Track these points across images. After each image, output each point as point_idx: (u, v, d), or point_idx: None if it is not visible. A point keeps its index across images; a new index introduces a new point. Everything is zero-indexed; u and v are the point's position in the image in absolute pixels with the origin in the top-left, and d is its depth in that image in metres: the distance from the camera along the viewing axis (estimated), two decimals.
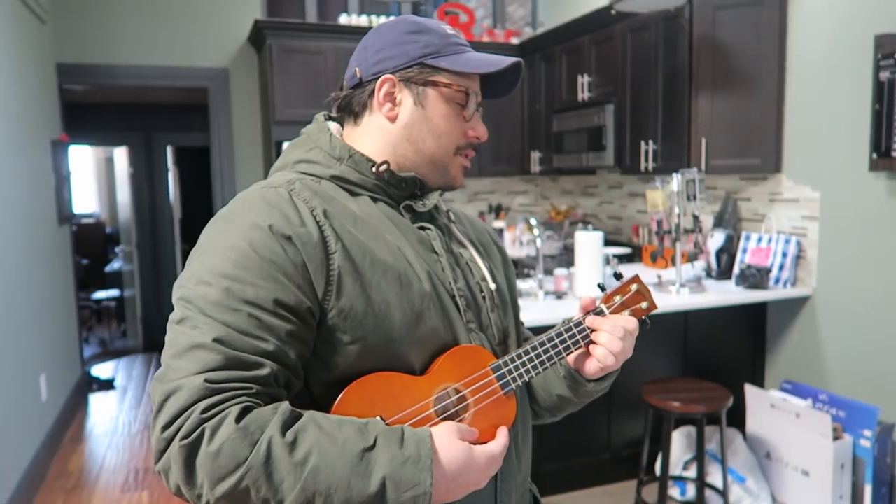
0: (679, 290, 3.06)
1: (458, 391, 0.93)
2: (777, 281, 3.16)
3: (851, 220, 2.92)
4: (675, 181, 3.04)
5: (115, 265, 7.61)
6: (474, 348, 0.97)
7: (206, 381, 0.76)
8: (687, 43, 3.32)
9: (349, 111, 1.01)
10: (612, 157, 3.94)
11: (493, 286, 1.03)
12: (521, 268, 4.35)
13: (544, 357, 0.98)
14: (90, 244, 8.75)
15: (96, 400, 4.70)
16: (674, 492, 3.04)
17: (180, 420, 0.75)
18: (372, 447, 0.78)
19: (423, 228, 0.99)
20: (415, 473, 0.78)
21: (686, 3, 3.20)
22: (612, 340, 0.97)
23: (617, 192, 4.65)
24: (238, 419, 0.75)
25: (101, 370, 5.53)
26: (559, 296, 3.00)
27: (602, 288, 1.05)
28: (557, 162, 4.52)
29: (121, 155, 6.72)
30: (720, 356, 3.35)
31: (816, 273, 3.11)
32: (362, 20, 4.62)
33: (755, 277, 3.09)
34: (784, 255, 3.16)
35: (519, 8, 5.87)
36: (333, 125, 1.03)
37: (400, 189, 0.98)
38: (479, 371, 0.95)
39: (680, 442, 3.09)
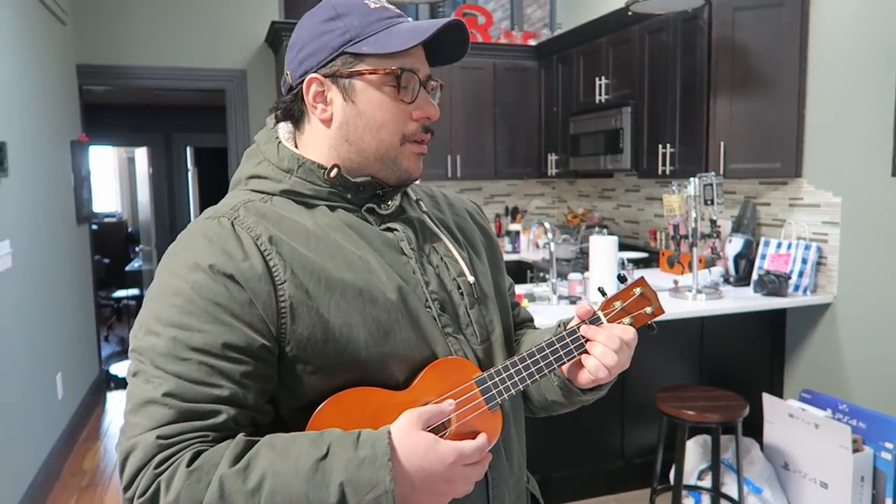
0: (695, 296, 3.01)
1: None
2: (796, 288, 3.09)
3: (874, 226, 2.85)
4: (692, 185, 2.99)
5: (136, 264, 7.70)
6: (459, 361, 0.91)
7: (157, 437, 0.75)
8: (705, 44, 3.27)
9: (291, 119, 0.94)
10: (629, 160, 3.89)
11: (471, 279, 0.96)
12: (537, 271, 4.31)
13: (534, 369, 0.92)
14: (112, 243, 8.87)
15: (114, 398, 4.74)
16: (688, 502, 2.99)
17: (138, 479, 0.75)
18: (325, 456, 0.75)
19: (389, 230, 0.93)
20: (372, 473, 0.74)
21: (704, 4, 3.15)
22: (605, 353, 0.90)
23: (634, 196, 4.59)
24: (189, 463, 0.73)
25: (120, 368, 5.58)
26: (573, 300, 2.97)
27: (602, 292, 0.99)
28: (574, 165, 4.48)
29: (141, 155, 6.80)
30: (737, 364, 3.29)
31: (837, 280, 3.04)
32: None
33: (774, 284, 3.03)
34: (804, 261, 3.09)
35: (537, 10, 5.84)
36: (284, 130, 0.95)
37: (358, 192, 0.92)
38: (462, 385, 0.89)
39: (695, 451, 3.03)
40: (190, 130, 6.96)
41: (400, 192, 0.95)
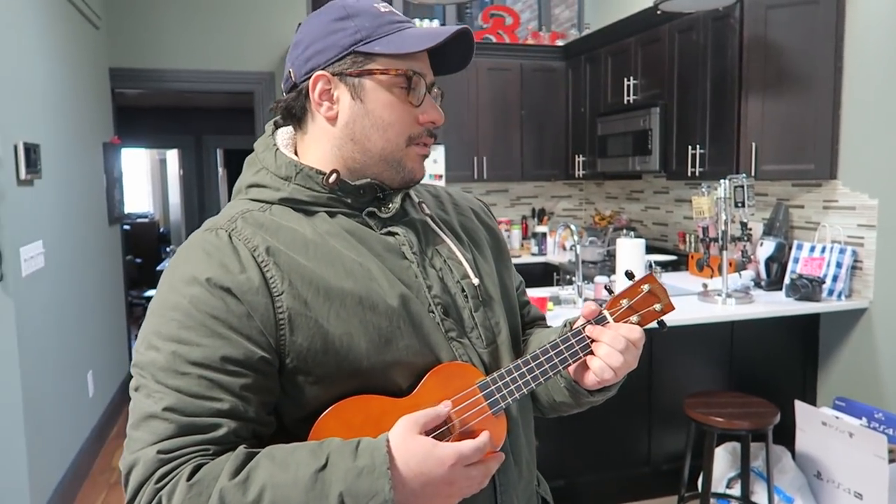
0: (725, 300, 2.95)
1: None
2: (830, 292, 3.01)
3: None
4: (723, 187, 2.93)
5: (166, 264, 7.81)
6: (461, 365, 0.90)
7: (158, 452, 0.75)
8: (737, 43, 3.20)
9: (293, 119, 0.93)
10: (657, 161, 3.84)
11: (475, 282, 0.95)
12: (563, 273, 4.27)
13: (538, 373, 0.90)
14: (144, 243, 9.03)
15: None
16: None
17: (140, 494, 0.75)
18: (324, 466, 0.74)
19: (391, 234, 0.92)
20: (371, 483, 0.73)
21: (736, 3, 3.08)
22: (611, 354, 0.88)
23: (663, 198, 4.52)
24: (189, 477, 0.73)
25: None
26: (600, 304, 2.92)
27: (609, 291, 0.97)
28: (602, 166, 4.43)
29: (172, 157, 6.91)
30: (769, 370, 3.21)
31: (874, 285, 2.95)
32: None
33: (807, 288, 2.96)
34: (838, 265, 3.01)
35: (565, 10, 5.80)
36: (282, 136, 0.95)
37: (359, 196, 0.91)
38: (465, 390, 0.87)
39: (724, 458, 2.97)
40: (220, 132, 7.05)
41: (401, 193, 0.93)
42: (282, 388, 0.82)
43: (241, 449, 0.77)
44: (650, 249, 4.43)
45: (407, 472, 0.75)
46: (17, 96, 2.66)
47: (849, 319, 3.07)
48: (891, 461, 2.57)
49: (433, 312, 0.90)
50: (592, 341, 0.91)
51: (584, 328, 0.91)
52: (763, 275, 3.30)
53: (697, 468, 2.76)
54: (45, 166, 2.91)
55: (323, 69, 0.88)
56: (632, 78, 4.08)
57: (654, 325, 0.96)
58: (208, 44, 4.67)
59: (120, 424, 4.17)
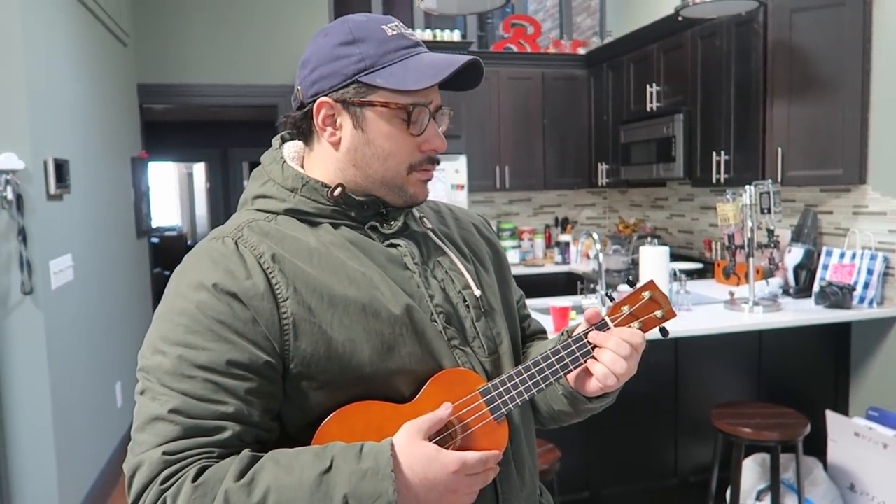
0: (752, 308, 2.90)
1: None
2: (861, 300, 2.94)
3: None
4: (748, 193, 2.89)
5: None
6: (462, 372, 0.91)
7: (163, 453, 0.76)
8: (761, 48, 3.16)
9: (300, 135, 0.95)
10: (681, 168, 3.80)
11: (477, 293, 0.96)
12: (587, 283, 4.24)
13: (539, 378, 0.90)
14: (172, 256, 9.09)
15: None
16: None
17: (144, 495, 0.76)
18: (329, 469, 0.75)
19: (393, 245, 0.93)
20: (375, 485, 0.74)
21: (759, 7, 3.04)
22: (615, 360, 0.89)
23: (688, 205, 4.47)
24: (195, 478, 0.74)
25: None
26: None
27: (611, 298, 0.99)
28: (625, 174, 4.40)
29: (199, 171, 7.02)
30: (799, 380, 3.15)
31: None
32: (426, 35, 4.64)
33: (837, 296, 2.89)
34: (869, 272, 2.94)
35: (587, 18, 5.78)
36: (289, 149, 0.96)
37: (362, 210, 0.92)
38: (466, 396, 0.88)
39: (753, 469, 2.91)
40: (245, 145, 7.14)
41: (404, 211, 0.95)
42: (285, 394, 0.83)
43: (246, 452, 0.78)
44: (675, 257, 4.37)
45: (411, 476, 0.77)
46: (47, 113, 2.73)
47: (881, 327, 2.99)
48: None
49: (436, 321, 0.91)
50: (594, 347, 0.91)
51: (585, 334, 0.92)
52: (791, 282, 3.24)
53: (725, 480, 2.71)
54: (75, 181, 2.98)
55: (327, 95, 0.88)
56: (654, 85, 4.05)
57: (656, 332, 0.96)
58: (233, 58, 4.75)
59: None
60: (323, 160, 0.93)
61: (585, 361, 0.92)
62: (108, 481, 3.33)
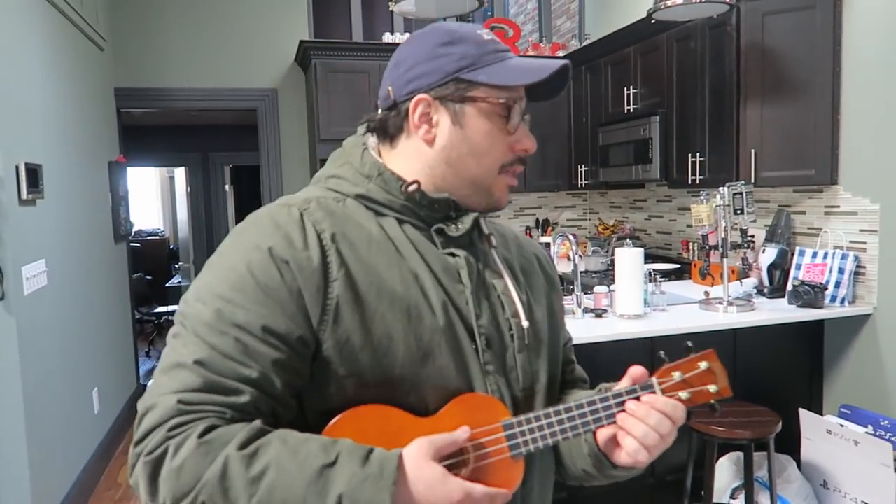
0: (726, 308, 2.93)
1: None
2: (833, 299, 2.98)
3: None
4: (721, 194, 2.92)
5: (176, 280, 7.88)
6: (490, 399, 0.86)
7: (179, 401, 0.75)
8: (734, 51, 3.20)
9: (384, 133, 0.94)
10: (658, 170, 3.82)
11: (525, 324, 0.92)
12: (566, 284, 4.26)
13: (568, 426, 0.84)
14: (155, 260, 9.10)
15: None
16: None
17: (150, 437, 0.75)
18: (333, 463, 0.73)
19: (452, 255, 0.90)
20: (374, 493, 0.72)
21: (731, 10, 3.08)
22: (648, 434, 0.83)
23: (666, 206, 4.51)
24: (202, 434, 0.74)
25: None
26: (598, 314, 2.92)
27: (662, 360, 0.89)
28: (604, 175, 4.43)
29: (180, 175, 6.98)
30: (773, 378, 3.18)
31: (877, 290, 2.92)
32: (406, 39, 4.65)
33: (809, 295, 2.93)
34: (841, 271, 2.98)
35: (567, 21, 5.81)
36: (373, 139, 0.96)
37: (433, 210, 0.91)
38: (489, 425, 0.83)
39: (728, 468, 2.94)
40: (226, 150, 7.12)
41: (473, 216, 0.92)
42: (311, 375, 0.82)
43: (257, 423, 0.77)
44: (654, 258, 4.41)
45: (414, 493, 0.74)
46: (18, 118, 2.71)
47: (853, 326, 3.03)
48: None
49: (476, 342, 0.88)
50: (628, 412, 0.85)
51: (624, 393, 0.86)
52: (766, 282, 3.28)
53: (701, 479, 2.73)
54: (48, 186, 2.96)
55: (425, 92, 0.88)
56: (632, 87, 4.08)
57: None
58: (212, 62, 4.73)
59: (126, 441, 4.19)
60: (408, 157, 0.92)
61: (617, 423, 0.86)
62: (84, 489, 3.30)
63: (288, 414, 0.82)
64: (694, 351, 0.89)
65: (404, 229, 0.89)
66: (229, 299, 0.79)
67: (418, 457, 0.76)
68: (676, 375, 0.87)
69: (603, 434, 0.88)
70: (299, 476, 0.72)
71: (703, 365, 0.87)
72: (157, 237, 9.79)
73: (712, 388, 0.87)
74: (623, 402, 0.85)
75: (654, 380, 0.86)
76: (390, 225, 0.89)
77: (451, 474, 0.76)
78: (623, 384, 0.88)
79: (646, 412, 0.84)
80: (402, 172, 0.91)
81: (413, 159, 0.91)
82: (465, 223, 0.91)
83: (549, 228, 5.26)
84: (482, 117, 0.89)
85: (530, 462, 0.91)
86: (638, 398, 0.86)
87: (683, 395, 0.86)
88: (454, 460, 0.81)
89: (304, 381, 0.82)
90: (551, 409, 0.85)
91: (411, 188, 0.89)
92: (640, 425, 0.83)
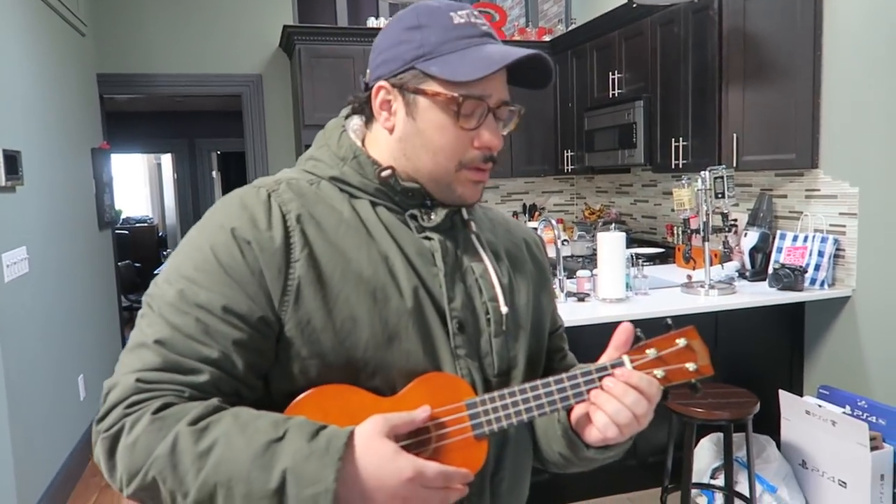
0: (708, 291, 2.95)
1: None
2: (813, 281, 3.01)
3: (893, 217, 2.76)
4: (702, 178, 2.93)
5: (163, 267, 7.84)
6: (454, 379, 0.84)
7: (137, 379, 0.76)
8: (716, 35, 3.20)
9: (363, 115, 0.94)
10: (642, 154, 3.83)
11: (504, 309, 0.89)
12: (552, 268, 4.28)
13: (533, 404, 0.81)
14: (144, 247, 9.05)
15: None
16: (701, 500, 2.93)
17: (110, 415, 0.76)
18: (280, 439, 0.72)
19: (427, 238, 0.89)
20: (318, 469, 0.70)
21: None
22: (620, 411, 0.80)
23: (651, 191, 4.52)
24: (156, 411, 0.74)
25: None
26: (581, 298, 2.94)
27: (638, 338, 0.85)
28: (590, 160, 4.43)
29: (167, 161, 6.94)
30: (754, 360, 3.21)
31: (856, 273, 2.95)
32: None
33: (789, 278, 2.96)
34: (820, 254, 3.01)
35: (553, 5, 5.79)
36: (354, 122, 0.94)
37: (407, 197, 0.90)
38: (451, 405, 0.81)
39: (709, 449, 2.98)
40: (212, 136, 7.08)
41: (444, 212, 0.90)
42: (277, 356, 0.82)
43: (214, 400, 0.77)
44: (640, 242, 4.43)
45: (361, 471, 0.72)
46: None
47: (833, 308, 3.07)
48: (873, 448, 2.57)
49: (447, 325, 0.86)
50: (600, 388, 0.82)
51: (593, 371, 0.84)
52: (748, 265, 3.30)
53: (681, 460, 2.77)
54: (28, 173, 2.94)
55: (386, 79, 0.87)
56: (617, 72, 4.08)
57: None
58: (195, 48, 4.69)
59: None
60: (379, 144, 0.91)
61: (589, 399, 0.83)
62: (69, 475, 3.31)
63: (253, 395, 0.81)
64: (674, 328, 0.85)
65: (378, 212, 0.88)
66: (192, 279, 0.80)
67: (371, 434, 0.74)
68: (651, 352, 0.84)
69: (576, 413, 0.87)
70: (246, 451, 0.72)
71: (682, 342, 0.84)
72: (146, 224, 9.75)
73: (691, 365, 0.84)
74: (592, 380, 0.83)
75: (626, 357, 0.83)
76: (364, 207, 0.88)
77: (403, 451, 0.74)
78: (601, 361, 0.85)
79: (623, 390, 0.81)
80: (378, 157, 0.90)
81: (381, 146, 0.91)
82: (439, 216, 0.89)
83: (537, 214, 5.28)
84: (435, 110, 0.85)
85: (502, 449, 0.90)
86: (610, 375, 0.83)
87: (658, 372, 0.83)
88: (415, 440, 0.80)
89: (269, 361, 0.82)
90: (516, 388, 0.83)
91: (385, 174, 0.88)
92: (613, 401, 0.81)
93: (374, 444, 0.73)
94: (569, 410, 0.88)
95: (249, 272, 0.80)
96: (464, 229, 0.94)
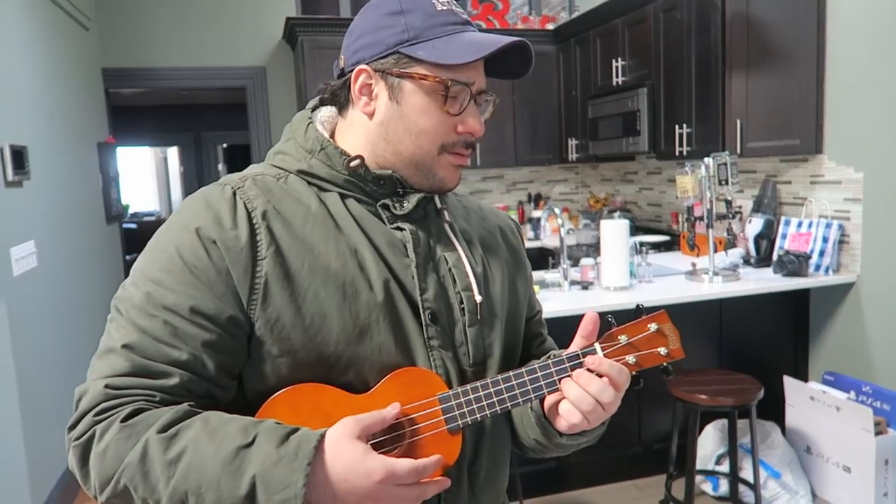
0: (712, 278, 2.95)
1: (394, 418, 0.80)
2: (818, 267, 3.00)
3: None
4: (706, 165, 2.93)
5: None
6: (426, 373, 0.84)
7: (106, 385, 0.76)
8: (719, 21, 3.18)
9: (336, 103, 0.92)
10: (646, 142, 3.83)
11: (478, 298, 0.89)
12: (558, 257, 4.28)
13: (506, 396, 0.82)
14: None
15: None
16: (706, 487, 2.95)
17: (80, 423, 0.76)
18: (249, 444, 0.72)
19: (399, 229, 0.88)
20: (287, 474, 0.70)
21: None
22: (581, 397, 0.81)
23: (656, 178, 4.51)
24: (126, 419, 0.74)
25: None
26: (585, 286, 2.94)
27: (611, 323, 0.85)
28: (594, 149, 4.43)
29: (173, 155, 6.97)
30: (759, 347, 3.22)
31: (861, 258, 2.94)
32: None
33: (793, 264, 2.95)
34: (825, 239, 3.00)
35: None
36: (324, 113, 0.94)
37: (378, 186, 0.88)
38: (424, 399, 0.81)
39: (714, 435, 2.99)
40: (218, 128, 7.09)
41: (420, 194, 0.89)
42: (249, 355, 0.81)
43: (184, 405, 0.76)
44: (645, 230, 4.43)
45: (331, 474, 0.72)
46: (2, 100, 2.71)
47: (837, 294, 3.06)
48: (877, 434, 2.57)
49: (420, 317, 0.86)
50: (569, 377, 0.83)
51: (565, 359, 0.84)
52: (752, 252, 3.30)
53: (686, 446, 2.78)
54: (35, 167, 2.96)
55: (367, 63, 0.86)
56: (620, 59, 4.06)
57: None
58: (199, 41, 4.70)
59: None
60: (354, 130, 0.90)
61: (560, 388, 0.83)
62: None
63: (226, 396, 0.81)
64: (645, 313, 0.86)
65: (347, 204, 0.87)
66: (158, 281, 0.79)
67: (341, 436, 0.73)
68: (622, 339, 0.84)
69: (548, 401, 0.87)
70: (215, 458, 0.71)
71: (653, 327, 0.85)
72: (153, 218, 9.79)
73: (662, 350, 0.84)
74: (563, 369, 0.83)
75: (597, 345, 0.84)
76: (332, 201, 0.87)
77: (373, 452, 0.73)
78: (573, 347, 0.86)
79: (588, 379, 0.82)
80: (349, 146, 0.90)
81: (358, 132, 0.89)
82: (411, 202, 0.89)
83: (541, 202, 5.27)
84: (421, 94, 0.85)
85: (479, 440, 0.90)
86: (581, 364, 0.83)
87: (630, 358, 0.84)
88: (389, 436, 0.80)
89: (241, 361, 0.81)
90: (489, 380, 0.83)
91: (354, 163, 0.87)
92: (576, 389, 0.81)
93: (343, 446, 0.73)
94: (542, 398, 0.88)
95: (216, 272, 0.79)
96: (437, 218, 0.94)
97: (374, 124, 0.87)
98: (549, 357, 0.86)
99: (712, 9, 3.22)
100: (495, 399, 0.82)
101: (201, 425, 0.74)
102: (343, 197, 0.88)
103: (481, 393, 0.82)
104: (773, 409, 3.01)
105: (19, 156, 2.74)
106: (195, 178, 6.95)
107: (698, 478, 2.94)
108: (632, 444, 3.08)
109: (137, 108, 6.99)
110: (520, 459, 2.59)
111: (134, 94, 5.90)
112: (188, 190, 6.77)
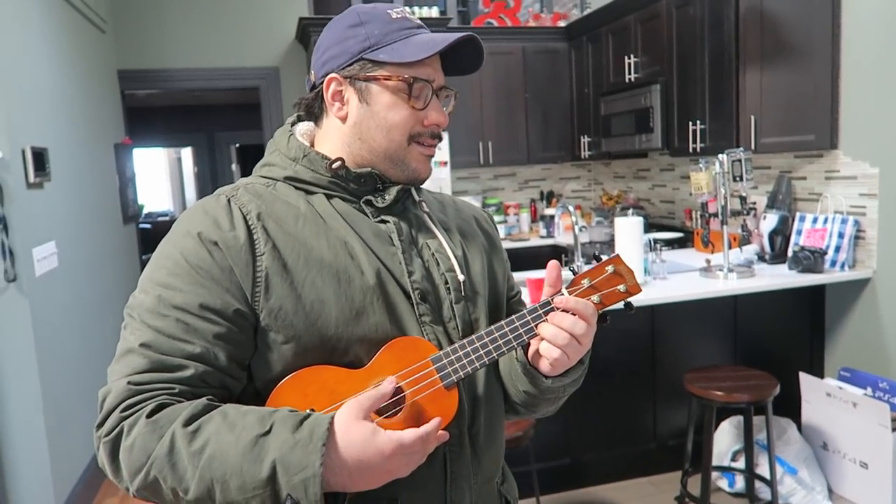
0: (727, 274, 2.95)
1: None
2: (833, 263, 3.00)
3: None
4: (720, 161, 2.93)
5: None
6: (416, 340, 0.92)
7: (129, 383, 0.82)
8: (733, 16, 3.18)
9: (312, 115, 1.01)
10: (659, 139, 3.83)
11: (461, 277, 0.98)
12: (571, 255, 4.28)
13: (491, 347, 0.90)
14: None
15: None
16: (722, 483, 2.95)
17: (108, 420, 0.82)
18: (267, 433, 0.79)
19: (383, 222, 0.97)
20: (304, 456, 0.77)
21: None
22: (556, 333, 0.89)
23: (669, 175, 4.51)
24: (151, 414, 0.80)
25: None
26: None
27: (573, 272, 0.96)
28: (606, 146, 4.43)
29: (187, 155, 7.03)
30: (775, 343, 3.21)
31: (877, 254, 2.93)
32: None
33: (809, 260, 2.95)
34: (840, 235, 2.99)
35: None
36: (301, 127, 1.03)
37: (359, 184, 0.97)
38: (418, 362, 0.89)
39: (729, 431, 2.99)
40: (231, 129, 7.14)
41: (398, 186, 0.98)
42: (256, 346, 0.88)
43: (203, 399, 0.82)
44: (658, 227, 4.43)
45: (346, 455, 0.79)
46: (24, 103, 2.75)
47: (853, 290, 3.05)
48: (894, 430, 2.57)
49: (410, 296, 0.94)
50: (545, 321, 0.91)
51: (541, 305, 0.92)
52: (767, 248, 3.29)
53: (701, 443, 2.78)
54: (55, 169, 3.01)
55: (336, 72, 0.95)
56: (632, 56, 4.06)
57: (619, 306, 0.95)
58: (213, 42, 4.74)
59: None
60: (331, 136, 0.98)
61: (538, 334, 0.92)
62: (97, 471, 3.38)
63: (238, 385, 0.88)
64: (602, 259, 0.95)
65: (333, 203, 0.96)
66: (167, 285, 0.86)
67: (348, 418, 0.80)
68: (585, 282, 0.93)
69: (531, 349, 0.95)
70: (236, 447, 0.78)
71: (610, 269, 0.93)
72: (168, 218, 9.87)
73: (621, 287, 0.93)
74: (538, 315, 0.91)
75: (564, 290, 0.93)
76: (319, 201, 0.95)
77: (380, 430, 0.80)
78: (543, 297, 0.94)
79: (560, 317, 0.90)
80: (328, 152, 0.98)
81: (335, 137, 0.98)
82: (391, 194, 0.97)
83: (554, 200, 5.28)
84: (387, 94, 0.94)
85: (475, 404, 0.98)
86: (553, 309, 0.91)
87: (595, 298, 0.93)
88: (392, 400, 0.87)
89: (250, 352, 0.88)
90: (474, 336, 0.91)
91: (335, 165, 0.95)
92: (550, 326, 0.90)
93: (352, 427, 0.80)
94: (525, 348, 0.96)
95: (220, 270, 0.86)
96: (416, 210, 1.03)
97: (349, 126, 0.96)
98: (524, 308, 0.95)
99: (725, 4, 3.21)
100: (482, 352, 0.91)
101: (221, 417, 0.81)
102: (329, 197, 0.96)
103: (469, 349, 0.91)
104: (789, 406, 3.00)
105: (40, 158, 2.79)
106: (209, 178, 7.01)
107: (714, 474, 2.94)
108: (647, 441, 3.09)
109: (152, 110, 7.05)
110: (536, 456, 2.60)
111: (148, 95, 5.96)
112: (202, 190, 6.84)
